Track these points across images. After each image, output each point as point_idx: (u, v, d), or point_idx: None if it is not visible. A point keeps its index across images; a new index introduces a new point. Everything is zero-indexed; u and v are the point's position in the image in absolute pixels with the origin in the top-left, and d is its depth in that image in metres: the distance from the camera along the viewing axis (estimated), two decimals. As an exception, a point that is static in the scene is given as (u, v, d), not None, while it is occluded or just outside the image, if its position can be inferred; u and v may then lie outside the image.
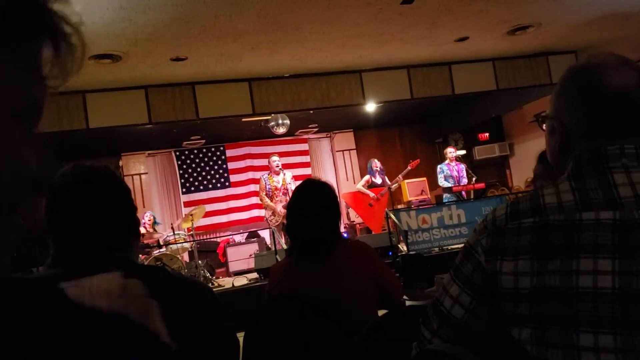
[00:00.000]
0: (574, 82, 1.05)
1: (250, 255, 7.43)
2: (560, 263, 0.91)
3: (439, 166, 8.84)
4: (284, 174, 7.48)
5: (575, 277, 0.89)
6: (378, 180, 8.67)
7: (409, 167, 8.65)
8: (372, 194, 8.56)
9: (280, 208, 7.26)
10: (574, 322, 0.88)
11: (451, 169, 8.65)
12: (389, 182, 8.62)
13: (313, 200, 2.10)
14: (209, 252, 8.69)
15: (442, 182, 8.63)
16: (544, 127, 1.15)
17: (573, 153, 1.03)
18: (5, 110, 0.39)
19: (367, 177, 8.76)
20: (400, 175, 8.57)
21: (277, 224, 7.18)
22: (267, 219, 7.52)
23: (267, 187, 7.41)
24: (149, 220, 7.93)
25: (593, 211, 0.92)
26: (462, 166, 8.75)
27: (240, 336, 1.49)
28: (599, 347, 0.85)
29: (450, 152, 8.75)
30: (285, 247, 6.17)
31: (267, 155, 8.62)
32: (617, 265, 0.87)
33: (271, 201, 7.36)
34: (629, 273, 0.86)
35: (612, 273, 0.87)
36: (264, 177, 7.54)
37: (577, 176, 0.99)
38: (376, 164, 8.76)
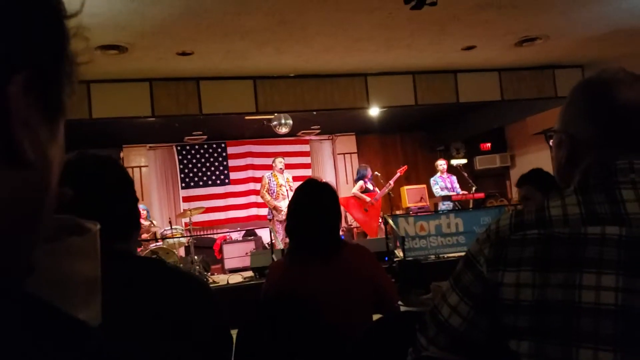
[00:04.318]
0: (584, 94, 1.04)
1: (247, 253, 7.42)
2: (563, 276, 0.90)
3: (432, 179, 9.02)
4: (286, 175, 7.91)
5: (577, 292, 0.88)
6: (370, 186, 8.76)
7: (397, 173, 8.74)
8: (367, 199, 8.60)
9: (285, 205, 7.38)
10: (574, 337, 0.87)
11: (444, 181, 8.80)
12: (378, 190, 8.69)
13: (315, 201, 2.09)
14: (205, 248, 8.67)
15: (439, 194, 8.76)
16: (551, 143, 1.14)
17: (580, 166, 1.02)
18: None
19: (360, 182, 8.81)
20: (390, 182, 8.60)
21: (282, 219, 7.34)
22: (271, 215, 7.81)
23: (272, 184, 7.75)
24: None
25: (599, 226, 0.91)
26: (454, 178, 8.93)
27: (233, 334, 1.48)
28: None
29: (441, 165, 8.96)
30: (282, 246, 6.17)
31: (268, 155, 8.74)
32: (621, 281, 0.86)
33: (277, 198, 7.69)
34: (633, 290, 0.85)
35: (615, 289, 0.86)
36: (268, 175, 7.90)
37: (584, 190, 0.98)
38: (369, 171, 8.83)
